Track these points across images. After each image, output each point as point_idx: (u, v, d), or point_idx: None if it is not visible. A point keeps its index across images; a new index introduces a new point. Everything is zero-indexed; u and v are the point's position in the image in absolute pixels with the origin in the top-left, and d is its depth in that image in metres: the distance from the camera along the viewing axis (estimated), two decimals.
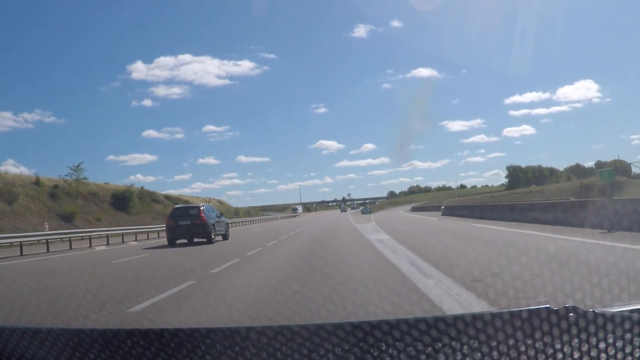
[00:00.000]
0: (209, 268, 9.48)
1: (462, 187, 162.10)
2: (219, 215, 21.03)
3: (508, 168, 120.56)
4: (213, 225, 19.20)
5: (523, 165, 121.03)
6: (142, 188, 60.51)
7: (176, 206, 22.92)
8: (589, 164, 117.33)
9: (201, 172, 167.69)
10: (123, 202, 49.42)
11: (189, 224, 18.56)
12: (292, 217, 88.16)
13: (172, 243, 18.68)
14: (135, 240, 27.24)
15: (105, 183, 57.67)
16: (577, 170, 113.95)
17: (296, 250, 13.25)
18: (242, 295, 6.40)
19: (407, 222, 28.37)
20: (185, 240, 19.05)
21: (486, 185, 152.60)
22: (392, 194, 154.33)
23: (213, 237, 18.82)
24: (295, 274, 8.43)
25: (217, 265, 9.92)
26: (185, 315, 5.40)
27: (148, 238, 29.24)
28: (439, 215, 36.24)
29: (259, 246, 15.15)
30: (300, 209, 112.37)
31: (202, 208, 19.47)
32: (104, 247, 21.38)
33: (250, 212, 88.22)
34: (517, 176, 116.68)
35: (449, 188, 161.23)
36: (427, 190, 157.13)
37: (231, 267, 9.78)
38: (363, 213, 68.81)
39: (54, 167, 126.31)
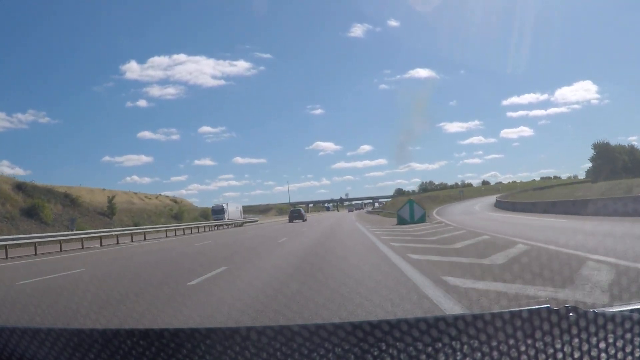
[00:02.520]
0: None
1: (485, 183, 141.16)
2: (304, 212, 59.35)
3: (596, 147, 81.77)
4: (304, 214, 57.14)
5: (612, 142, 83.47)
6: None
7: (292, 209, 63.75)
8: None
9: (198, 174, 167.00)
10: None
11: (297, 214, 54.43)
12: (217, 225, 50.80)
13: (290, 221, 51.61)
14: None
15: None
16: None
17: None
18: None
19: None
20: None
21: (573, 176, 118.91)
22: (399, 192, 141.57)
23: (305, 219, 52.60)
24: None
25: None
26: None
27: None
28: None
29: None
30: (230, 208, 61.36)
31: (301, 209, 62.14)
32: None
33: (208, 216, 61.09)
34: (613, 158, 78.80)
35: (469, 185, 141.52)
36: (443, 187, 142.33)
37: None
38: (404, 222, 26.11)
39: (50, 169, 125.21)
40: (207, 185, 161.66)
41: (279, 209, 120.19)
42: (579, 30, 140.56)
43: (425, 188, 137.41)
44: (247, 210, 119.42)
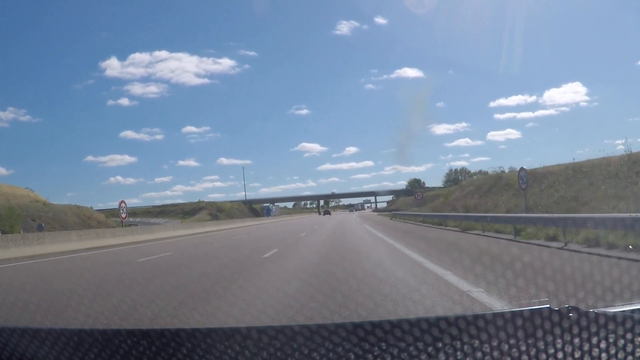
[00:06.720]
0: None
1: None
2: (330, 211, 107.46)
3: None
4: (330, 212, 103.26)
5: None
6: None
7: (324, 209, 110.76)
8: None
9: (182, 175, 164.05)
10: None
11: (326, 212, 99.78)
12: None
13: (323, 215, 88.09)
14: None
15: None
16: None
17: None
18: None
19: None
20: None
21: None
22: (414, 184, 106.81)
23: (331, 214, 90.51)
24: None
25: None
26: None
27: None
28: None
29: None
30: None
31: (329, 209, 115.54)
32: None
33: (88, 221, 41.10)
34: None
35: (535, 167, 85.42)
36: (484, 174, 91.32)
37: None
38: None
39: (35, 168, 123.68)
40: (192, 187, 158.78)
41: (219, 209, 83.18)
42: (569, 32, 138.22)
43: (455, 179, 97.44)
44: (168, 210, 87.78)
